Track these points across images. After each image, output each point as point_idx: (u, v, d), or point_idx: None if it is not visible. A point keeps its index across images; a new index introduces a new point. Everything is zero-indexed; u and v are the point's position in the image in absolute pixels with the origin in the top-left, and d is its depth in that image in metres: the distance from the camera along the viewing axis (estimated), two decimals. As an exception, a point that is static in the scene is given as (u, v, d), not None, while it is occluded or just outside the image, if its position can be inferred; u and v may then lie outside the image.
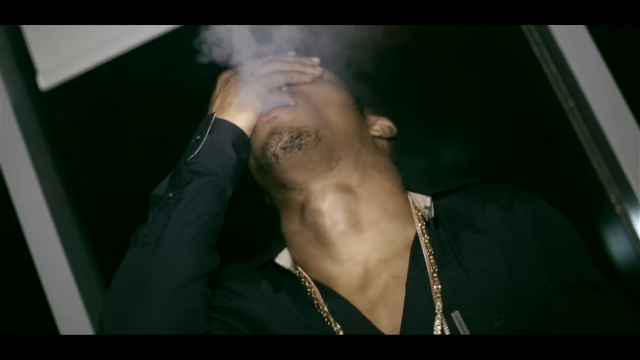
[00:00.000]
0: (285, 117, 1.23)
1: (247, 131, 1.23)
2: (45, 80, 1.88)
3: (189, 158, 1.20)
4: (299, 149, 1.21)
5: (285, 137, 1.21)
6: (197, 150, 1.20)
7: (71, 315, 1.55)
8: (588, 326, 1.15)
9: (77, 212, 1.90)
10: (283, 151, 1.21)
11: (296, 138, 1.21)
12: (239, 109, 1.23)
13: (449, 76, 1.81)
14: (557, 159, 1.77)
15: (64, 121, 1.99)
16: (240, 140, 1.22)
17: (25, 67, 1.92)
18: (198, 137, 1.22)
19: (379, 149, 1.32)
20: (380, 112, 1.38)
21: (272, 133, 1.22)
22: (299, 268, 1.27)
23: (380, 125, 1.35)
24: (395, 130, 1.37)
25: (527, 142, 1.79)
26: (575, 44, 1.64)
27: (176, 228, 1.15)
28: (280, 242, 1.29)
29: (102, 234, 1.89)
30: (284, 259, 1.28)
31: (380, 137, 1.35)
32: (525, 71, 1.80)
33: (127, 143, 1.94)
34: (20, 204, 1.74)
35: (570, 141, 1.74)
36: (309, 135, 1.21)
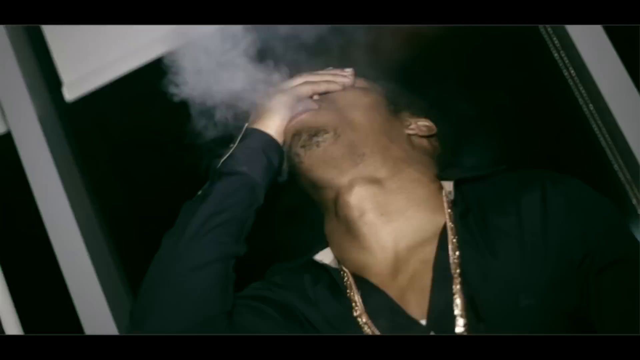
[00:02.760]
0: (306, 119, 1.32)
1: (277, 137, 1.33)
2: (70, 93, 1.90)
3: (220, 162, 1.30)
4: (317, 146, 1.28)
5: (304, 136, 1.29)
6: (227, 155, 1.30)
7: (95, 315, 1.57)
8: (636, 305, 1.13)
9: (103, 223, 1.92)
10: (303, 149, 1.28)
11: (313, 136, 1.28)
12: (268, 117, 1.33)
13: (469, 84, 1.82)
14: (577, 163, 1.77)
15: (90, 132, 2.02)
16: (269, 144, 1.32)
17: (50, 79, 1.95)
18: (230, 145, 1.32)
19: (415, 145, 1.37)
20: (419, 113, 1.43)
21: (294, 134, 1.31)
22: (340, 264, 1.31)
23: (417, 125, 1.40)
24: (434, 128, 1.42)
25: (547, 146, 1.80)
26: (593, 47, 1.64)
27: (201, 218, 1.23)
28: (322, 243, 1.35)
29: (126, 238, 1.91)
30: (325, 256, 1.33)
31: (416, 135, 1.39)
32: (544, 76, 1.80)
33: (153, 153, 1.96)
34: (47, 213, 1.76)
35: (591, 145, 1.74)
36: (326, 133, 1.28)
